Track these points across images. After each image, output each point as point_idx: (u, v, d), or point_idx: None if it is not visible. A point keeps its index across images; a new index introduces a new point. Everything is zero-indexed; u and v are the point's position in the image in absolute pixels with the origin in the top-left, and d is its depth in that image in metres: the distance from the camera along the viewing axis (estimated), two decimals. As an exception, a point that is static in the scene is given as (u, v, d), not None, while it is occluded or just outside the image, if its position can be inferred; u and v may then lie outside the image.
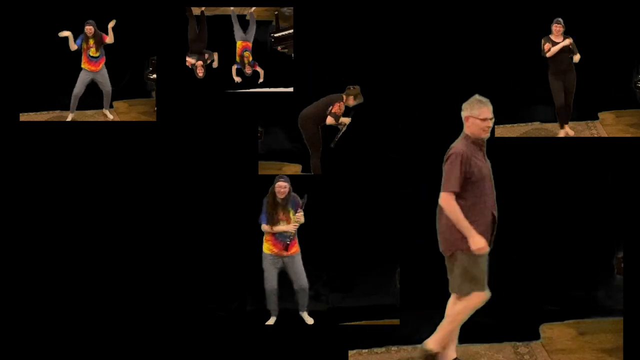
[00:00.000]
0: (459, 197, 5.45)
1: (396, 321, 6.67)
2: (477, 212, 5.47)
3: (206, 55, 7.52)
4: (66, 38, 7.39)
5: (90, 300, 6.79)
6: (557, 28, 7.34)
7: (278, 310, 6.77)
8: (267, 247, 6.74)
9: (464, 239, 5.45)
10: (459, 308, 5.62)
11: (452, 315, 5.66)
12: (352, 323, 6.71)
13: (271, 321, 6.78)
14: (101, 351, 6.47)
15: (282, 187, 6.65)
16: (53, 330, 6.64)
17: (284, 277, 6.75)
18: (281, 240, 6.68)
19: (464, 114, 5.59)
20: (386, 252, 7.03)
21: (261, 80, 7.59)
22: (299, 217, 6.66)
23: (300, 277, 6.74)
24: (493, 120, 5.58)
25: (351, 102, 7.15)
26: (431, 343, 5.69)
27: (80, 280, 6.85)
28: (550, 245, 6.95)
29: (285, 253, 6.68)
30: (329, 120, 7.14)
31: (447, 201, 5.45)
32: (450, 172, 5.45)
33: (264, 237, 6.74)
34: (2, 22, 7.11)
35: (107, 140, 7.10)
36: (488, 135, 5.59)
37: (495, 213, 5.56)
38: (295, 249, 6.75)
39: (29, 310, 6.74)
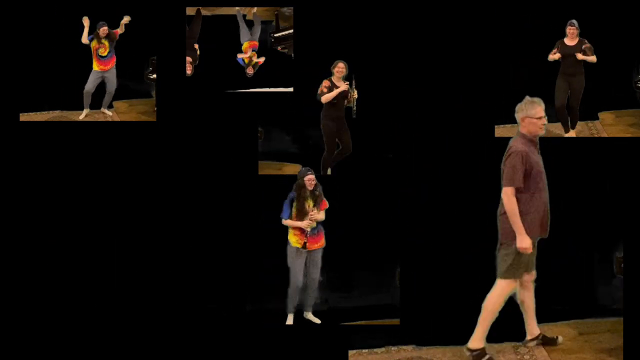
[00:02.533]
0: (519, 190, 5.92)
1: (396, 321, 6.68)
2: (534, 204, 5.96)
3: (197, 52, 7.52)
4: (81, 26, 7.39)
5: (90, 300, 6.79)
6: (571, 30, 7.34)
7: (295, 309, 6.79)
8: (294, 240, 6.78)
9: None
10: (493, 298, 6.03)
11: (488, 306, 6.04)
12: (352, 323, 6.71)
13: (290, 320, 6.78)
14: (101, 351, 6.47)
15: (311, 180, 6.74)
16: (53, 330, 6.64)
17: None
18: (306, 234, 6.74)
19: (519, 115, 6.04)
20: (386, 252, 7.03)
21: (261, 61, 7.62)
22: (315, 214, 6.67)
23: (314, 272, 6.76)
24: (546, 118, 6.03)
25: (335, 72, 7.19)
26: (472, 342, 6.07)
27: (81, 280, 6.85)
28: (550, 245, 6.94)
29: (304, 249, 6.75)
30: (323, 99, 7.16)
31: (508, 196, 5.93)
32: (513, 169, 5.93)
33: (290, 231, 6.77)
34: (3, 22, 7.11)
35: (107, 140, 7.10)
36: (544, 131, 6.04)
37: (548, 205, 6.04)
38: (319, 244, 6.78)
39: (30, 310, 6.74)
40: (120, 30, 7.49)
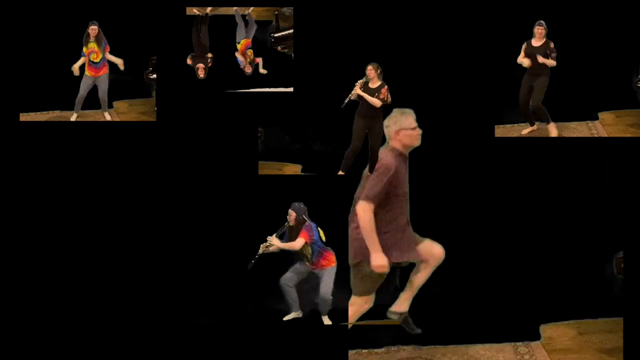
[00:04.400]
0: (379, 208, 5.54)
1: (397, 321, 6.67)
2: (393, 225, 5.61)
3: (209, 60, 7.53)
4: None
5: (89, 299, 6.78)
6: (538, 31, 7.33)
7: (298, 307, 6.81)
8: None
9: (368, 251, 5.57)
10: (350, 313, 5.88)
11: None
12: (353, 323, 6.71)
13: (291, 316, 6.81)
14: (99, 350, 6.47)
15: (291, 216, 6.77)
16: (54, 329, 6.64)
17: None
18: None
19: (392, 128, 5.71)
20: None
21: (263, 70, 7.59)
22: (272, 239, 6.70)
23: (322, 290, 6.72)
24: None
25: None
26: None
27: (80, 280, 6.84)
28: (550, 245, 6.95)
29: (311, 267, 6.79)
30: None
31: (365, 210, 5.52)
32: (375, 184, 5.53)
33: None
34: (3, 22, 7.11)
35: (107, 140, 7.10)
36: (419, 142, 5.72)
37: (407, 229, 5.71)
38: (326, 263, 6.76)
39: (29, 309, 6.74)
40: (110, 57, 7.47)
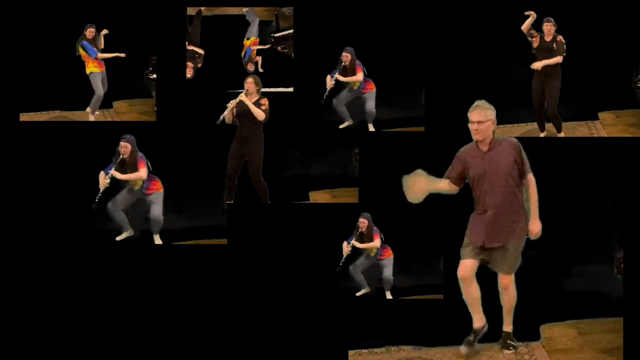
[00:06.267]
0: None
1: (440, 296, 6.73)
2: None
3: (197, 57, 7.53)
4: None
5: (88, 299, 6.78)
6: (547, 27, 7.28)
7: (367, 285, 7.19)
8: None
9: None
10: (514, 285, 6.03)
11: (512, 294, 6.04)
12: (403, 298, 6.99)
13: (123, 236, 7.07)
14: (102, 350, 6.49)
15: (363, 223, 7.07)
16: (54, 328, 6.64)
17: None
18: None
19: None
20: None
21: (260, 69, 7.59)
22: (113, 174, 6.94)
23: (156, 212, 7.05)
24: (481, 123, 5.78)
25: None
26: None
27: (79, 279, 6.84)
28: (550, 245, 6.95)
29: None
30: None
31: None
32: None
33: None
34: (3, 22, 7.11)
35: (107, 140, 7.10)
36: (476, 137, 5.82)
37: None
38: (155, 189, 7.01)
39: (28, 309, 6.74)
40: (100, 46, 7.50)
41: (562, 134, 7.39)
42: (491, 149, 5.83)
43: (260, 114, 6.94)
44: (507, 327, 6.10)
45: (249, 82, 7.02)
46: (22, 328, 6.61)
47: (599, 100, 7.55)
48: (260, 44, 7.64)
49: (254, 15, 7.64)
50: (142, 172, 6.93)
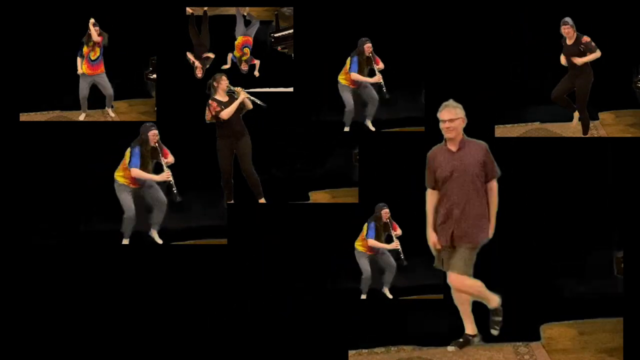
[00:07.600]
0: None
1: (440, 296, 6.72)
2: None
3: (206, 58, 7.53)
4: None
5: (88, 299, 6.78)
6: (565, 30, 7.24)
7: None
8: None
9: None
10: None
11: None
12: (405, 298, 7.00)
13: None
14: (102, 350, 6.50)
15: (387, 213, 7.06)
16: (54, 328, 6.65)
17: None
18: None
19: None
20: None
21: (257, 72, 7.59)
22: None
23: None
24: (452, 121, 5.78)
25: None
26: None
27: (79, 279, 6.84)
28: (550, 245, 6.95)
29: None
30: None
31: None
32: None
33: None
34: (3, 22, 7.11)
35: (107, 140, 7.11)
36: (448, 135, 5.81)
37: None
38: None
39: (28, 309, 6.74)
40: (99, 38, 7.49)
41: (589, 134, 7.39)
42: (460, 148, 5.83)
43: (250, 104, 7.02)
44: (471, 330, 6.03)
45: (224, 80, 7.05)
46: (22, 328, 6.61)
47: (599, 100, 7.55)
48: (255, 43, 7.64)
49: (239, 15, 7.63)
50: (171, 158, 6.95)
